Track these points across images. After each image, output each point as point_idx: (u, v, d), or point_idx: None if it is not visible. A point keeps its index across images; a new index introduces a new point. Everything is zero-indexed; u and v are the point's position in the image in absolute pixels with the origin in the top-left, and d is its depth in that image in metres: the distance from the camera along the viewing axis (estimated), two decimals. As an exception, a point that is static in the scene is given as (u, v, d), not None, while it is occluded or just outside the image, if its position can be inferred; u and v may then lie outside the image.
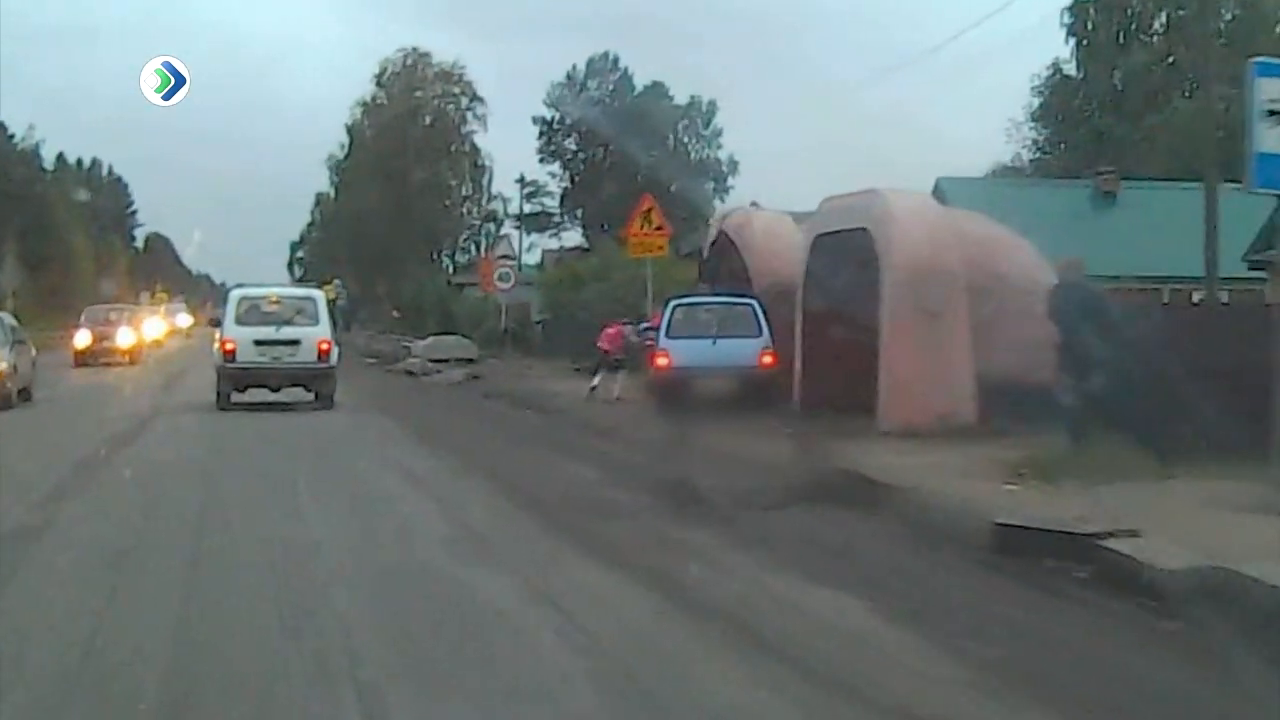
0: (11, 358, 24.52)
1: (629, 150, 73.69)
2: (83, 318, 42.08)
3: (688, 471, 14.37)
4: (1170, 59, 61.00)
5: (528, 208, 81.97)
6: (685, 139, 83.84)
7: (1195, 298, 34.33)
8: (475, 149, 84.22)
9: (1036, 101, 64.90)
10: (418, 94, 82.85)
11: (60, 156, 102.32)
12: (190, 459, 16.63)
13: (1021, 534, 9.93)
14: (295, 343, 24.20)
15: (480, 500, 13.11)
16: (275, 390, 24.27)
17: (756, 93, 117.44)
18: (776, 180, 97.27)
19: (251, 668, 6.93)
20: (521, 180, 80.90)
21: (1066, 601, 8.49)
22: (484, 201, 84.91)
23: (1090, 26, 62.53)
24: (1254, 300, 31.11)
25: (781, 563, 9.81)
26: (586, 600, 8.61)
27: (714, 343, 21.78)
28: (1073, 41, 62.31)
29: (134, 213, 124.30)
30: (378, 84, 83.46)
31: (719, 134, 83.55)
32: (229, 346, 24.18)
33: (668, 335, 22.17)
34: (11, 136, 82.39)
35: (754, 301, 22.08)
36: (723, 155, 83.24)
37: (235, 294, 26.40)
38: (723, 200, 79.65)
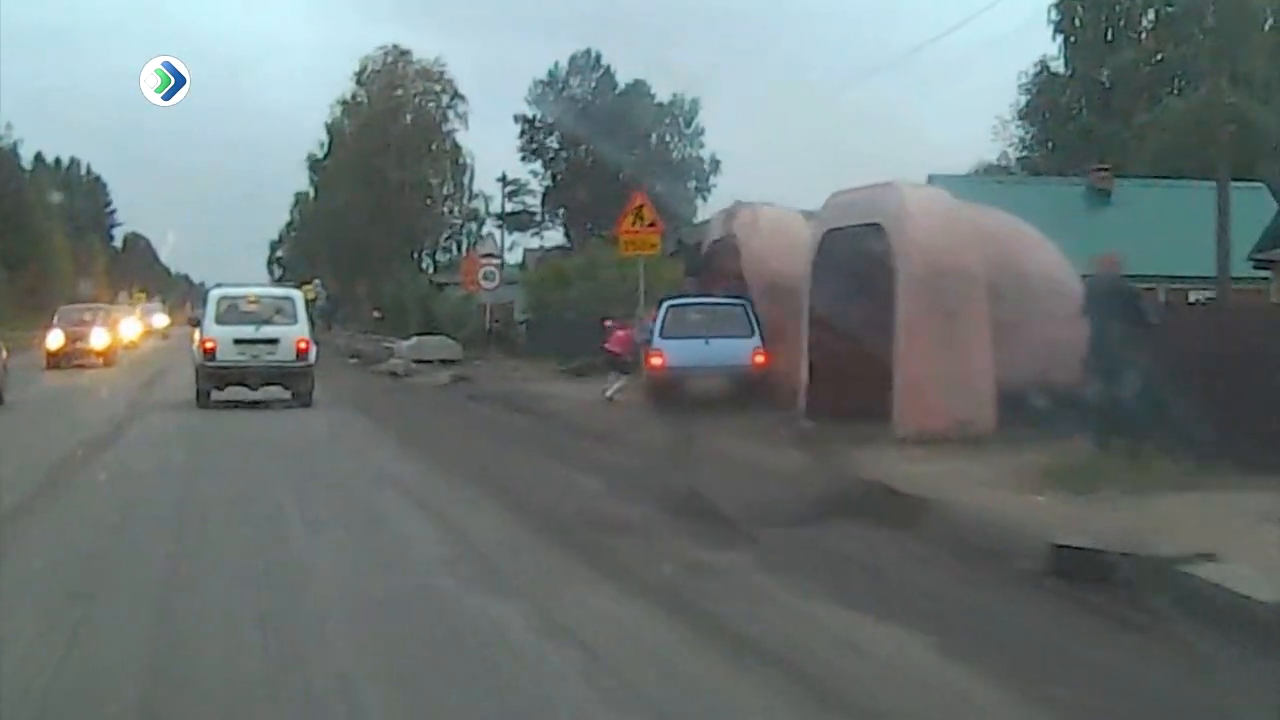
0: None
1: (609, 150, 72.85)
2: (55, 318, 40.49)
3: (698, 481, 13.54)
4: (1159, 56, 60.61)
5: (509, 206, 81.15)
6: (667, 138, 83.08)
7: (1192, 297, 33.81)
8: (456, 147, 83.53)
9: (1024, 100, 64.35)
10: (398, 92, 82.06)
11: (39, 156, 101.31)
12: (165, 471, 15.52)
13: (1083, 556, 9.02)
14: (274, 341, 24.48)
15: (480, 514, 12.13)
16: (254, 389, 24.38)
17: (739, 91, 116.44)
18: (758, 179, 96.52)
19: (236, 715, 6.09)
20: (503, 179, 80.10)
21: (1148, 637, 7.58)
22: (465, 200, 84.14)
23: (1078, 24, 62.06)
24: (1261, 300, 30.52)
25: (819, 589, 8.89)
26: (610, 634, 7.72)
27: (707, 342, 21.81)
28: (1060, 38, 61.86)
29: (112, 212, 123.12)
30: (358, 82, 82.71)
31: (701, 133, 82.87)
32: (209, 345, 24.36)
33: (661, 335, 22.19)
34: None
35: (745, 302, 22.06)
36: (705, 154, 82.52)
37: (215, 294, 26.65)
38: (704, 199, 79.15)
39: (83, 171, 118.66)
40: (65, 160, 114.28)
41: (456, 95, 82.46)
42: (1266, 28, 55.70)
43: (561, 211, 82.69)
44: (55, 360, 37.90)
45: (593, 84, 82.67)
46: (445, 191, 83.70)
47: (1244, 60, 51.99)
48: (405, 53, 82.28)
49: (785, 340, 20.94)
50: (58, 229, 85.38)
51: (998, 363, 17.06)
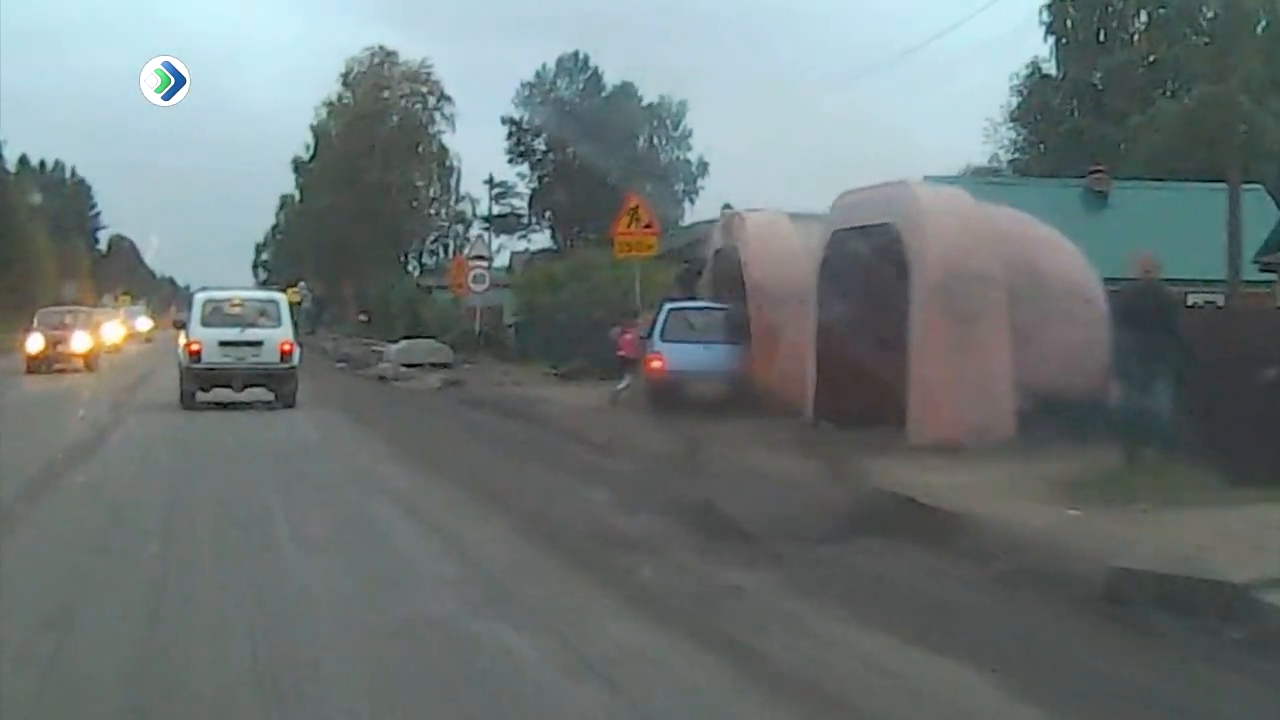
0: None
1: (596, 152, 72.12)
2: (35, 321, 39.27)
3: (710, 492, 12.85)
4: (1151, 58, 60.18)
5: (496, 209, 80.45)
6: (655, 140, 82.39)
7: (1190, 300, 33.25)
8: (443, 149, 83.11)
9: (1015, 102, 63.87)
10: (384, 94, 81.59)
11: (23, 159, 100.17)
12: (149, 483, 14.67)
13: (1143, 579, 8.35)
14: (259, 344, 24.79)
15: (486, 531, 11.35)
16: (239, 390, 24.65)
17: (727, 94, 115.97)
18: (747, 182, 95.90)
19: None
20: (490, 181, 79.42)
21: (1238, 675, 6.89)
22: (452, 202, 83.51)
23: (1070, 25, 61.61)
24: (1269, 302, 30.03)
25: (860, 616, 8.18)
26: (637, 669, 7.02)
27: (705, 346, 21.86)
28: (1051, 40, 61.39)
29: (97, 214, 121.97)
30: (344, 84, 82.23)
31: (689, 135, 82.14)
32: (194, 348, 24.66)
33: (661, 339, 22.24)
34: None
35: (743, 307, 22.03)
36: (692, 156, 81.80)
37: (200, 297, 26.83)
38: (692, 202, 78.57)
39: (67, 174, 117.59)
40: (50, 163, 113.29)
41: (443, 97, 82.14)
42: (1260, 30, 55.44)
43: (548, 214, 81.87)
44: (35, 364, 36.92)
45: (580, 86, 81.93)
46: (432, 194, 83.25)
47: (1241, 62, 51.62)
48: (391, 54, 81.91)
49: (778, 345, 20.76)
50: (40, 230, 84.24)
51: (1015, 368, 16.44)
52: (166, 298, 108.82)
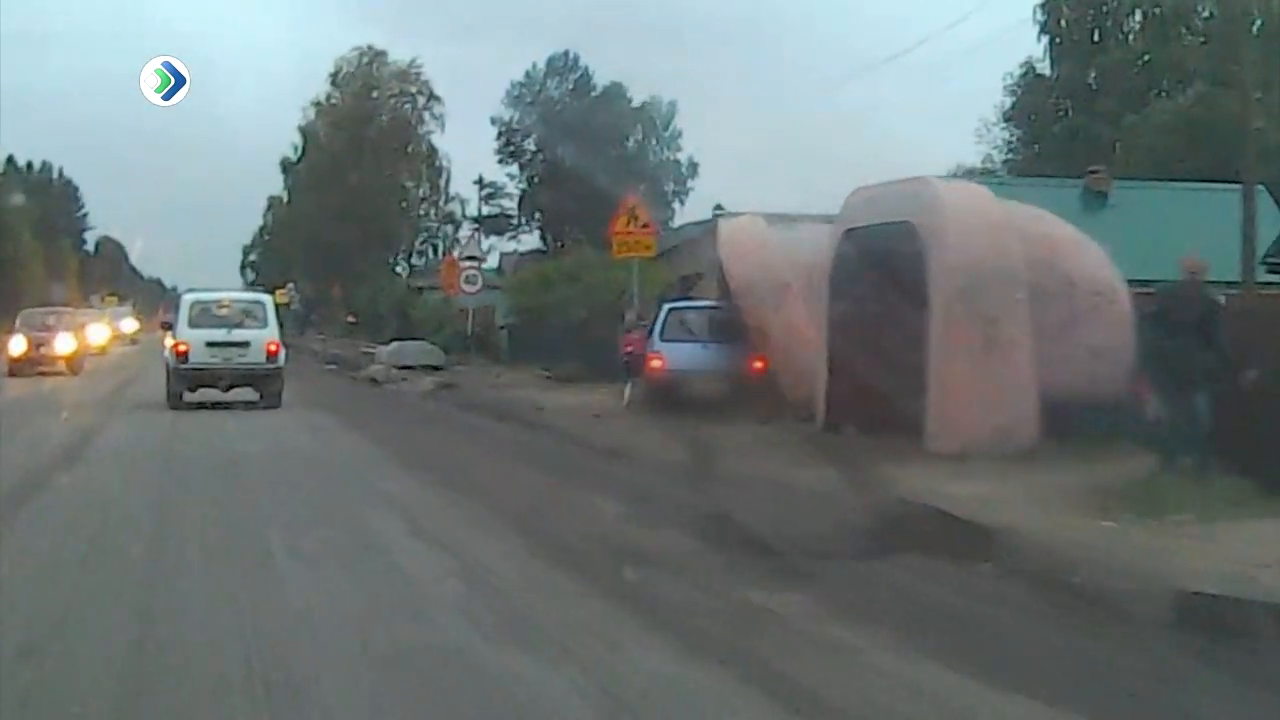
0: None
1: (586, 152, 71.48)
2: (17, 322, 38.16)
3: (726, 503, 12.21)
4: (1146, 57, 59.68)
5: (486, 210, 79.72)
6: (645, 141, 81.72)
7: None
8: (432, 149, 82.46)
9: (1009, 101, 63.35)
10: (373, 94, 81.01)
11: (10, 159, 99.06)
12: (135, 493, 13.87)
13: (1218, 605, 7.69)
14: (245, 344, 25.16)
15: (494, 546, 10.60)
16: (226, 390, 25.01)
17: (717, 95, 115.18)
18: (736, 183, 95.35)
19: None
20: (480, 181, 78.70)
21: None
22: (442, 203, 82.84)
23: (1064, 24, 61.09)
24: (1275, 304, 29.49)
25: (911, 644, 7.49)
26: (677, 708, 6.37)
27: (704, 346, 22.00)
28: (1046, 39, 60.86)
29: (84, 216, 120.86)
30: (333, 83, 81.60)
31: (678, 136, 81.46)
32: (182, 348, 25.04)
33: (661, 339, 22.44)
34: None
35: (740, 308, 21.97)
36: (682, 157, 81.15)
37: (187, 298, 27.06)
38: (682, 203, 77.97)
39: (54, 175, 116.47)
40: (37, 164, 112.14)
41: (433, 97, 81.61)
42: (1256, 30, 55.02)
43: (538, 215, 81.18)
44: (18, 367, 35.94)
45: (570, 86, 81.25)
46: (421, 194, 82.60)
47: (1246, 63, 51.18)
48: (380, 54, 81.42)
49: (767, 345, 20.77)
50: (25, 231, 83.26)
51: (1038, 371, 15.80)
52: (154, 299, 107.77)
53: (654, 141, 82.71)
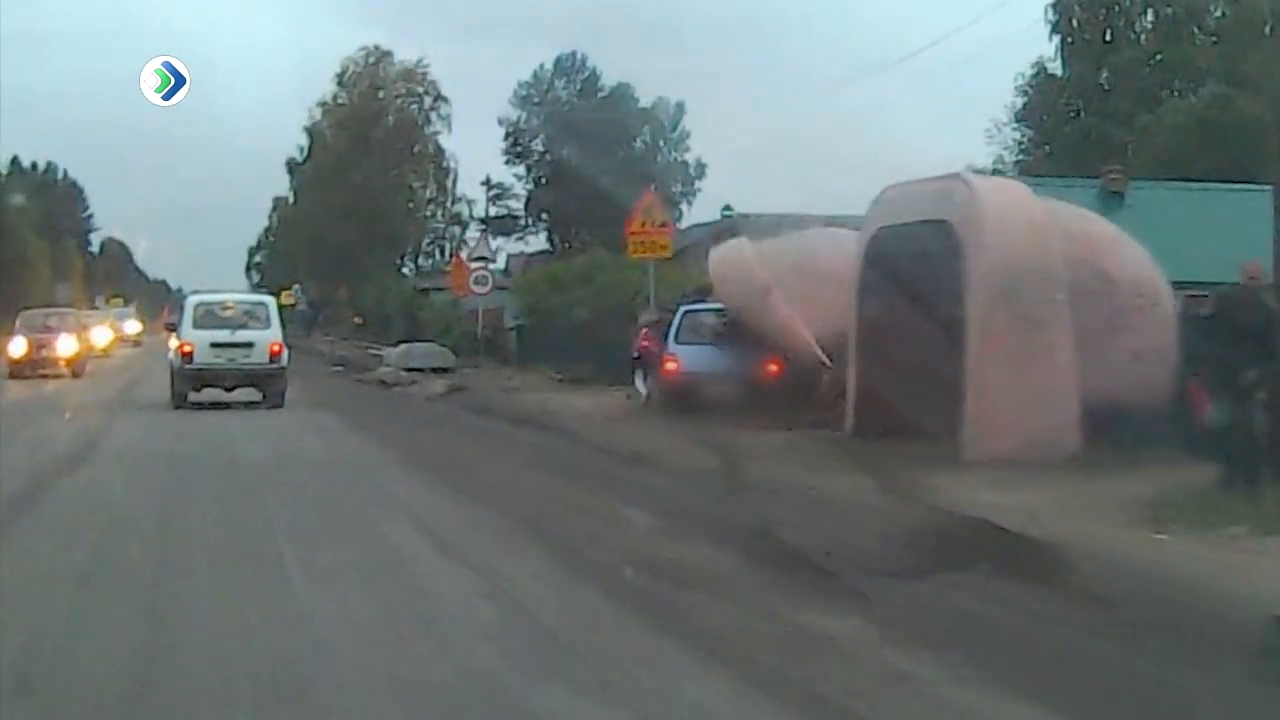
0: None
1: (592, 154, 70.83)
2: (18, 323, 37.10)
3: (763, 516, 11.62)
4: (1158, 57, 59.11)
5: (493, 210, 79.10)
6: (653, 142, 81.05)
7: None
8: (439, 150, 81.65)
9: (1020, 102, 62.73)
10: (380, 94, 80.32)
11: (14, 160, 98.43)
12: (139, 503, 13.16)
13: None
14: (249, 345, 25.51)
15: (523, 563, 9.91)
16: (229, 390, 25.36)
17: (724, 96, 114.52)
18: (744, 184, 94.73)
19: None
20: (487, 182, 78.06)
21: None
22: (449, 204, 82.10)
23: (1076, 24, 60.47)
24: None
25: (987, 677, 6.86)
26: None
27: (719, 349, 21.93)
28: (1057, 39, 60.24)
29: (89, 217, 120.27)
30: (339, 83, 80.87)
31: (686, 137, 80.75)
32: (187, 349, 25.36)
33: (676, 341, 22.53)
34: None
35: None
36: (690, 158, 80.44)
37: (192, 300, 27.56)
38: (689, 204, 77.31)
39: (59, 176, 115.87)
40: (42, 164, 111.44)
41: (439, 97, 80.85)
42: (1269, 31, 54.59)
43: (545, 216, 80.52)
44: (19, 369, 35.03)
45: (578, 87, 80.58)
46: (428, 195, 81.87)
47: (1250, 63, 50.74)
48: (387, 54, 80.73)
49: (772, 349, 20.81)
50: (29, 230, 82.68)
51: (1080, 376, 15.19)
52: (159, 300, 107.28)
53: (661, 143, 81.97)
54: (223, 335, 25.45)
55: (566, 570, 9.67)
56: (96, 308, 74.59)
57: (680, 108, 79.78)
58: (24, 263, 74.72)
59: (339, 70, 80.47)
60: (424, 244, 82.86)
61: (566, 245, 71.35)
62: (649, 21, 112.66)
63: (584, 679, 6.84)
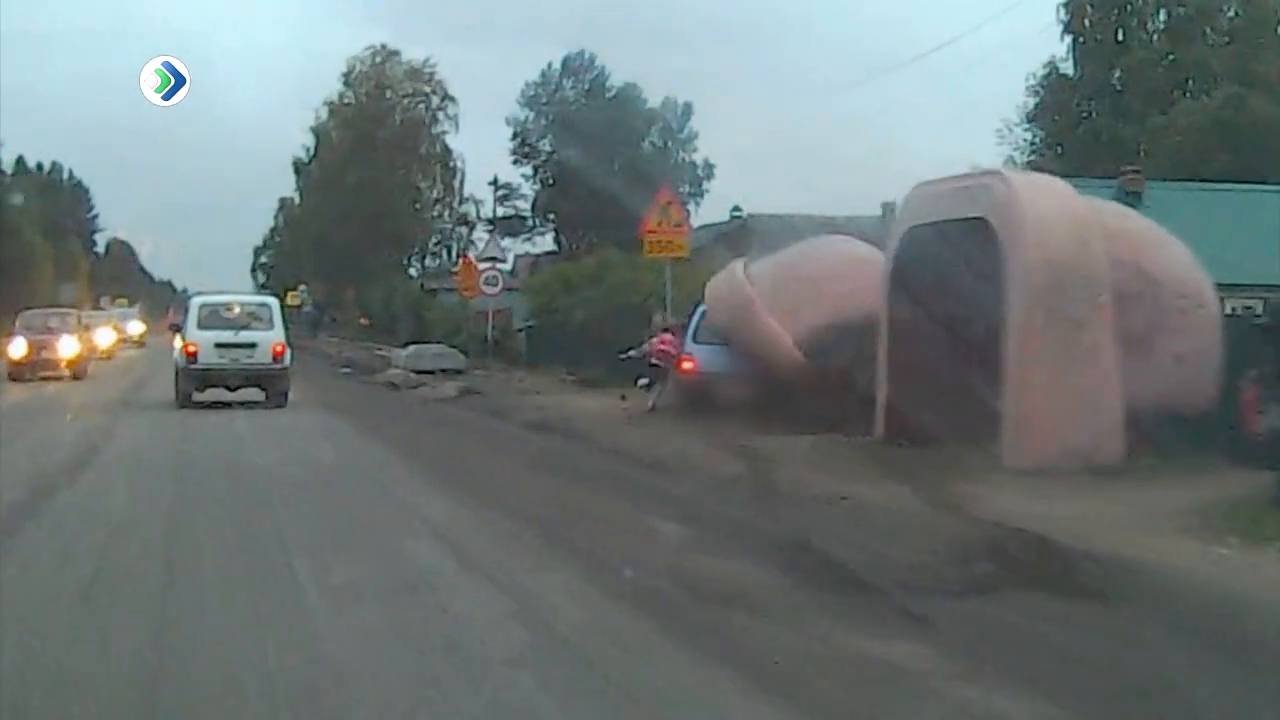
0: None
1: (599, 154, 70.23)
2: (17, 324, 36.04)
3: (799, 527, 11.05)
4: (1171, 57, 58.59)
5: (500, 211, 78.52)
6: (665, 142, 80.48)
7: (1229, 307, 31.56)
8: (446, 150, 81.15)
9: (1031, 102, 62.20)
10: (387, 93, 79.86)
11: (20, 160, 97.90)
12: (143, 518, 12.19)
13: None
14: (252, 345, 25.85)
15: (552, 580, 9.28)
16: (233, 390, 25.64)
17: (731, 97, 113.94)
18: (752, 184, 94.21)
19: None
20: (494, 182, 77.50)
21: None
22: (456, 204, 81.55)
23: (1088, 24, 59.94)
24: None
25: (1068, 713, 6.27)
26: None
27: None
28: (1069, 39, 59.68)
29: (94, 217, 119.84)
30: (345, 83, 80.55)
31: (694, 137, 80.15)
32: (191, 349, 25.65)
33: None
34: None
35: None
36: (698, 158, 79.85)
37: (196, 301, 27.90)
38: (697, 205, 76.75)
39: (65, 176, 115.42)
40: (47, 164, 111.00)
41: (447, 97, 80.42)
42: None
43: (552, 216, 79.95)
44: (19, 371, 34.09)
45: (585, 86, 79.98)
46: (435, 195, 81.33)
47: (1262, 63, 50.27)
48: (394, 53, 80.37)
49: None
50: (34, 230, 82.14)
51: (1123, 380, 14.60)
52: (164, 301, 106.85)
53: (669, 143, 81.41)
54: (226, 336, 25.77)
55: (599, 587, 9.02)
56: (101, 308, 73.95)
57: (688, 108, 79.31)
58: (28, 263, 74.19)
59: (345, 69, 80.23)
60: (430, 244, 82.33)
61: (575, 246, 70.76)
62: (656, 22, 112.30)
63: (626, 712, 6.24)
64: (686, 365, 22.15)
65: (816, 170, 75.44)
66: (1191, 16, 58.51)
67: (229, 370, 25.69)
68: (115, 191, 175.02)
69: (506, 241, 74.55)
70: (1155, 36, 60.15)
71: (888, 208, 54.85)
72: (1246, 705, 6.46)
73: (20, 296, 55.59)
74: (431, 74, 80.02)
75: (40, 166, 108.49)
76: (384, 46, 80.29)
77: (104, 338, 51.07)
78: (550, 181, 78.81)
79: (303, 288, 71.30)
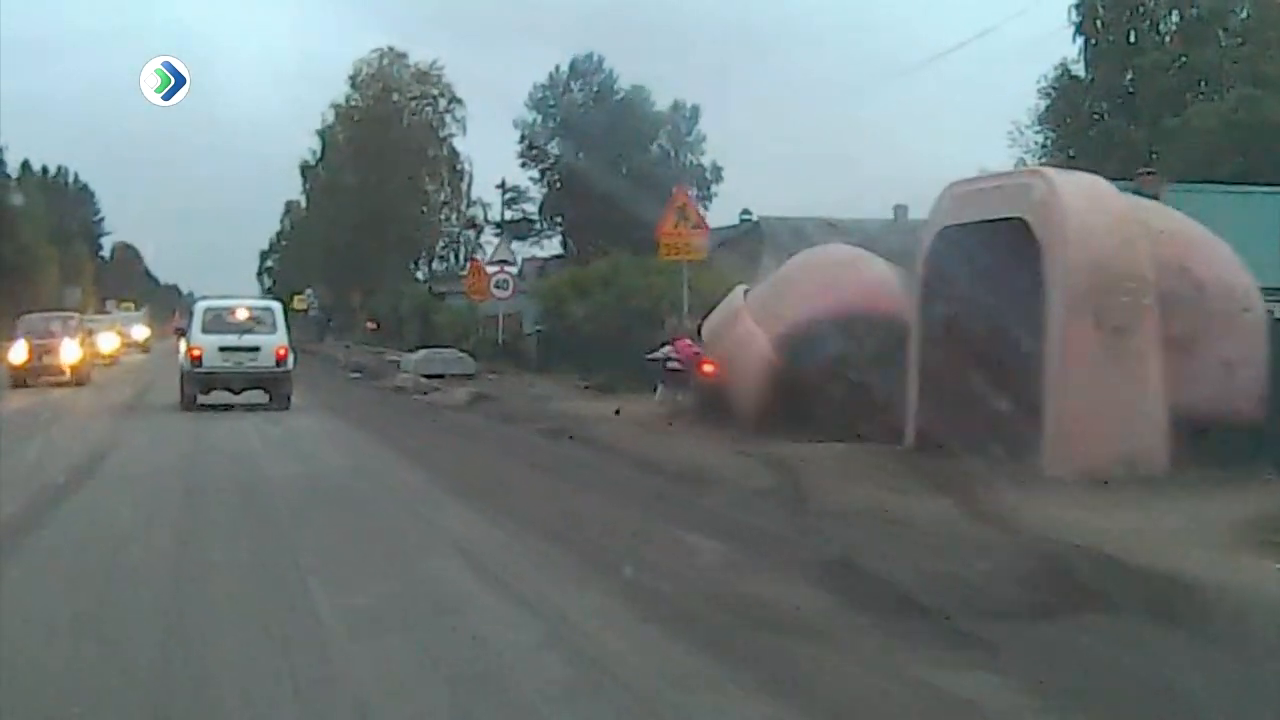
0: None
1: (607, 156, 69.81)
2: (18, 328, 35.14)
3: (842, 543, 10.49)
4: (1183, 59, 58.16)
5: (508, 214, 77.98)
6: (673, 145, 79.96)
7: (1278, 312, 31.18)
8: (454, 153, 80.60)
9: (1043, 104, 61.77)
10: (394, 96, 79.28)
11: (25, 164, 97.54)
12: (148, 536, 11.48)
13: None
14: (256, 349, 26.33)
15: (586, 602, 8.68)
16: (237, 393, 26.18)
17: (740, 99, 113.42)
18: (761, 187, 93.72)
19: None
20: (502, 185, 76.93)
21: None
22: (463, 207, 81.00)
23: (1099, 25, 59.49)
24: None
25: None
26: None
27: None
28: (1081, 41, 59.26)
29: (100, 221, 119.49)
30: (352, 86, 79.94)
31: (703, 140, 79.58)
32: (196, 353, 26.19)
33: None
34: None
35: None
36: (706, 161, 79.27)
37: (201, 305, 28.31)
38: (706, 208, 76.17)
39: (70, 180, 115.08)
40: (53, 169, 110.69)
41: (454, 100, 79.87)
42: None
43: (560, 220, 79.43)
44: (20, 376, 33.33)
45: (594, 89, 79.46)
46: (442, 198, 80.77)
47: (1275, 65, 49.78)
48: (401, 55, 79.85)
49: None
50: (39, 234, 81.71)
51: (1168, 387, 14.05)
52: (170, 305, 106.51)
53: (677, 147, 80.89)
54: (230, 339, 26.28)
55: (639, 612, 8.40)
56: (106, 312, 73.44)
57: (696, 111, 78.76)
58: (33, 267, 73.78)
59: (352, 72, 79.72)
60: (438, 248, 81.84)
61: (583, 250, 70.25)
62: (664, 25, 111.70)
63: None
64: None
65: (826, 173, 74.93)
66: (1204, 18, 58.10)
67: (233, 373, 26.14)
68: (121, 195, 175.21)
69: (514, 245, 74.21)
70: (1167, 38, 59.71)
71: (899, 210, 54.58)
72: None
73: (25, 300, 55.10)
74: (439, 77, 79.63)
75: (45, 170, 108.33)
76: (391, 49, 79.87)
77: (107, 342, 50.40)
78: (558, 184, 78.28)
79: (309, 291, 70.81)
